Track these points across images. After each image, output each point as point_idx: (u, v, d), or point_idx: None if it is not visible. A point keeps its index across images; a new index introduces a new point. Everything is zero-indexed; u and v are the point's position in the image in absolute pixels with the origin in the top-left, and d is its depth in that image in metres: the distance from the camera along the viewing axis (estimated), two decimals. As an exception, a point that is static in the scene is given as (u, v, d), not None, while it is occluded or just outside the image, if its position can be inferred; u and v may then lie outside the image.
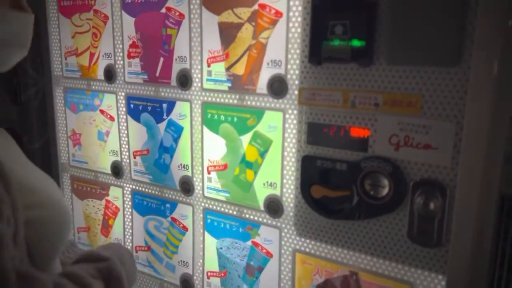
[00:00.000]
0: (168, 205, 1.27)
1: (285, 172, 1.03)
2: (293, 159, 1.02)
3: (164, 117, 1.21)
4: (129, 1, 1.22)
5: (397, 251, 0.91)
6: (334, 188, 0.96)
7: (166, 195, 1.26)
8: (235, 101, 1.08)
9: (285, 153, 1.02)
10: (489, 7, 0.73)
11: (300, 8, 0.95)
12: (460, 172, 0.80)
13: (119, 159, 1.35)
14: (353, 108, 0.91)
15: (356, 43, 0.87)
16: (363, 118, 0.90)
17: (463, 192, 0.80)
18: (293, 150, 1.01)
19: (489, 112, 0.76)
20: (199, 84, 1.13)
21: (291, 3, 0.96)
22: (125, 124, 1.31)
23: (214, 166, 1.15)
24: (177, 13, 1.13)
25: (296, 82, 0.98)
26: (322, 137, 0.96)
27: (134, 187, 1.34)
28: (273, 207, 1.06)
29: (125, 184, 1.36)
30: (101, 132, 1.38)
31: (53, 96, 1.47)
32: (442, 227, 0.84)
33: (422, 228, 0.86)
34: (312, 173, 0.98)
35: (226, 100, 1.09)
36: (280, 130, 1.02)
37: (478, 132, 0.77)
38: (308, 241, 1.03)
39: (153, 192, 1.29)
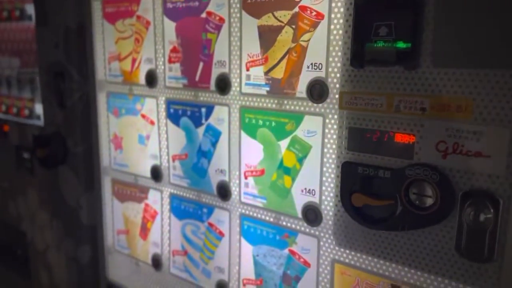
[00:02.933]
0: (205, 210, 1.26)
1: (324, 179, 1.00)
2: (333, 166, 0.98)
3: (203, 121, 1.21)
4: (171, 7, 1.23)
5: (444, 266, 0.85)
6: (376, 197, 0.92)
7: (204, 199, 1.26)
8: (274, 106, 1.06)
9: (325, 159, 0.99)
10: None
11: (342, 10, 0.92)
12: (516, 182, 0.74)
13: (158, 163, 1.36)
14: (398, 113, 0.87)
15: (401, 45, 0.83)
16: (408, 123, 0.86)
17: (518, 203, 0.75)
18: (333, 156, 0.98)
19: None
20: (238, 89, 1.12)
21: (333, 4, 0.93)
22: (165, 128, 1.32)
23: (251, 172, 1.13)
24: (217, 18, 1.13)
25: (337, 86, 0.95)
26: (364, 143, 0.93)
27: (172, 191, 1.34)
28: (312, 215, 1.03)
29: (163, 188, 1.37)
30: (142, 136, 1.40)
31: (97, 101, 1.50)
32: (495, 241, 0.78)
33: (472, 241, 0.80)
34: (353, 180, 0.94)
35: (265, 105, 1.08)
36: (320, 136, 0.99)
37: (536, 139, 0.72)
38: (348, 251, 0.99)
39: (190, 196, 1.29)
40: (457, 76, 0.79)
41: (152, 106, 1.34)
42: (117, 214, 1.54)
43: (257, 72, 1.08)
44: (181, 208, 1.32)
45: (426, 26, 0.81)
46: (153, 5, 1.28)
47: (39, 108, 1.76)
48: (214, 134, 1.20)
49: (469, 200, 0.80)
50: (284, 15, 1.01)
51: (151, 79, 1.32)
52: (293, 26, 1.00)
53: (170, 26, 1.25)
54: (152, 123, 1.36)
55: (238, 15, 1.09)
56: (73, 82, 1.53)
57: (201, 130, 1.22)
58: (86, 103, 1.53)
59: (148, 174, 1.40)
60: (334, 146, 0.97)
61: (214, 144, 1.20)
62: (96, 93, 1.50)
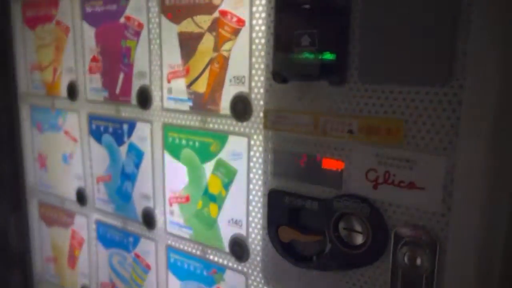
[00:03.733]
0: (131, 239, 1.12)
1: (251, 208, 0.87)
2: (259, 194, 0.86)
3: (125, 139, 1.08)
4: (90, 11, 1.10)
5: (379, 313, 0.73)
6: (304, 231, 0.79)
7: (129, 227, 1.12)
8: (197, 123, 0.93)
9: (251, 186, 0.87)
10: (489, 5, 0.57)
11: (263, 15, 0.80)
12: (453, 221, 0.63)
13: (83, 184, 1.22)
14: (325, 135, 0.75)
15: (326, 56, 0.71)
16: (336, 147, 0.73)
17: (456, 245, 0.63)
18: (259, 182, 0.85)
19: (490, 143, 0.59)
20: (160, 103, 0.99)
21: (254, 8, 0.81)
22: (87, 147, 1.18)
23: (176, 198, 1.00)
24: (136, 23, 1.00)
25: (261, 102, 0.83)
26: (291, 169, 0.80)
27: (98, 216, 1.20)
28: (238, 249, 0.90)
29: (89, 213, 1.23)
30: (65, 155, 1.26)
31: (20, 114, 1.35)
32: (432, 287, 0.66)
33: (408, 286, 0.69)
34: (279, 211, 0.82)
35: (188, 122, 0.95)
36: (245, 159, 0.87)
37: (475, 170, 0.60)
38: (277, 291, 0.86)
39: (116, 223, 1.15)
40: (386, 94, 0.67)
41: (74, 121, 1.20)
42: (45, 239, 1.39)
43: (179, 85, 0.95)
44: (108, 236, 1.19)
45: (352, 36, 0.69)
46: (71, 9, 1.14)
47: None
48: (137, 154, 1.06)
49: (403, 239, 0.68)
50: (204, 20, 0.88)
51: (72, 91, 1.18)
52: (214, 34, 0.87)
53: (90, 32, 1.11)
54: (74, 140, 1.22)
55: (157, 20, 0.96)
56: (-4, 93, 1.38)
57: (123, 149, 1.09)
58: (10, 118, 1.38)
59: (74, 197, 1.25)
60: (260, 172, 0.85)
61: (137, 165, 1.07)
62: (19, 106, 1.35)
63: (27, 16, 1.27)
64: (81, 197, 1.23)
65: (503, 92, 0.58)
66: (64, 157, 1.26)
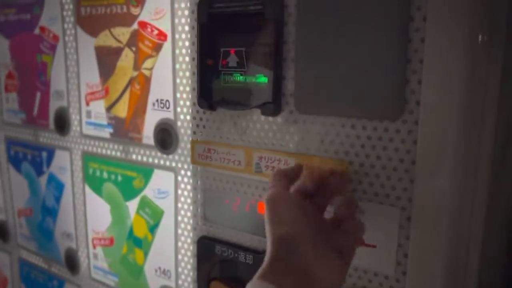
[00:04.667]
0: (55, 283, 0.97)
1: (180, 257, 0.73)
2: (188, 240, 0.72)
3: (44, 169, 0.93)
4: (3, 20, 0.95)
5: None
6: (240, 286, 0.66)
7: (53, 269, 0.97)
8: (118, 154, 0.79)
9: (180, 231, 0.73)
10: (446, 22, 0.44)
11: (187, 28, 0.66)
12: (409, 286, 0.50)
13: (4, 217, 1.07)
14: (259, 174, 0.61)
15: (256, 79, 0.58)
16: (272, 190, 0.60)
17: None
18: (188, 227, 0.71)
19: (452, 188, 0.46)
20: (78, 129, 0.85)
21: (176, 20, 0.67)
22: (7, 175, 1.03)
23: (100, 239, 0.85)
24: (51, 35, 0.86)
25: (188, 131, 0.69)
26: (223, 213, 0.67)
27: (21, 254, 1.05)
28: (167, 303, 0.76)
29: (12, 250, 1.07)
30: (-15, 183, 1.10)
31: None
32: None
33: None
34: (211, 263, 0.68)
35: (109, 152, 0.80)
36: (172, 198, 0.73)
37: (433, 225, 0.48)
38: None
39: (39, 263, 1.00)
40: (327, 128, 0.54)
41: (-8, 146, 1.05)
42: (-32, 277, 1.23)
43: (98, 108, 0.81)
44: (31, 277, 1.03)
45: (287, 55, 0.56)
46: (-17, 17, 0.98)
47: None
48: (57, 187, 0.91)
49: (351, 306, 0.55)
50: (123, 33, 0.74)
51: (-12, 112, 1.02)
52: (134, 49, 0.73)
53: (4, 44, 0.96)
54: (-7, 168, 1.06)
55: (73, 32, 0.82)
56: None
57: (43, 179, 0.94)
58: None
59: (-5, 231, 1.10)
60: (189, 214, 0.71)
61: (58, 199, 0.92)
62: None
63: None
64: (2, 231, 1.07)
65: (464, 126, 0.46)
66: (-17, 186, 1.10)
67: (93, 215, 0.86)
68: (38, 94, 0.90)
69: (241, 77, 0.59)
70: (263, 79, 0.57)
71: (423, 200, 0.48)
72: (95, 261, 0.87)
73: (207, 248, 0.68)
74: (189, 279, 0.73)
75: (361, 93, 0.50)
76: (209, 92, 0.63)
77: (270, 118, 0.59)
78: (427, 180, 0.48)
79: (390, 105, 0.49)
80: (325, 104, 0.54)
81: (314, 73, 0.54)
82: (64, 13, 0.82)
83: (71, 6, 0.81)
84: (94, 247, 0.86)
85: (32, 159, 0.95)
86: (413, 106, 0.48)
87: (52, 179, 0.92)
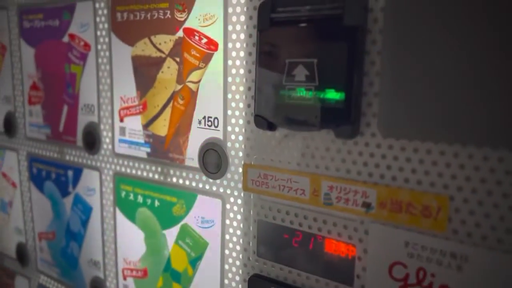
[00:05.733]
0: (78, 315, 0.89)
1: (226, 295, 0.65)
2: (237, 278, 0.63)
3: (70, 189, 0.85)
4: (28, 26, 0.88)
5: None
6: (299, 335, 0.57)
7: (76, 299, 0.89)
8: (156, 176, 0.71)
9: (227, 266, 0.64)
10: None
11: (242, 36, 0.58)
12: None
13: (24, 240, 0.99)
14: (328, 207, 0.52)
15: (330, 96, 0.49)
16: (345, 225, 0.51)
17: None
18: (237, 262, 0.63)
19: None
20: (110, 147, 0.77)
21: (230, 27, 0.59)
22: (28, 194, 0.95)
23: (131, 270, 0.77)
24: (82, 43, 0.78)
25: (241, 154, 0.60)
26: (281, 249, 0.58)
27: (41, 281, 0.97)
28: None
29: (31, 275, 0.99)
30: (4, 202, 1.02)
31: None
32: None
33: None
34: (265, 305, 0.59)
35: (145, 173, 0.72)
36: (219, 227, 0.64)
37: None
38: None
39: (61, 292, 0.92)
40: (421, 155, 0.45)
41: (13, 162, 0.97)
42: (-17, 301, 1.15)
43: (134, 124, 0.72)
44: (52, 306, 0.95)
45: (369, 67, 0.48)
46: (8, 23, 0.91)
47: None
48: (84, 210, 0.83)
49: None
50: (165, 41, 0.66)
51: (10, 125, 0.95)
52: (178, 59, 0.65)
53: (29, 53, 0.89)
54: (14, 185, 0.98)
55: (107, 39, 0.74)
56: None
57: (68, 201, 0.86)
58: None
59: (14, 253, 1.01)
60: (238, 247, 0.62)
61: (84, 223, 0.83)
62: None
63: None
64: (21, 255, 0.99)
65: None
66: (3, 205, 1.02)
67: (124, 242, 0.77)
68: (65, 108, 0.83)
69: (310, 92, 0.50)
70: (338, 96, 0.49)
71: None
72: (125, 294, 0.78)
73: (260, 288, 0.59)
74: (236, 322, 0.64)
75: (470, 114, 0.42)
76: (269, 109, 0.54)
77: (345, 142, 0.50)
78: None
79: (505, 129, 0.40)
80: (420, 127, 0.45)
81: (405, 89, 0.45)
82: (97, 19, 0.75)
83: (105, 12, 0.73)
84: (125, 278, 0.78)
85: (56, 178, 0.87)
86: (538, 131, 0.39)
87: (78, 200, 0.83)
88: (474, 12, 0.40)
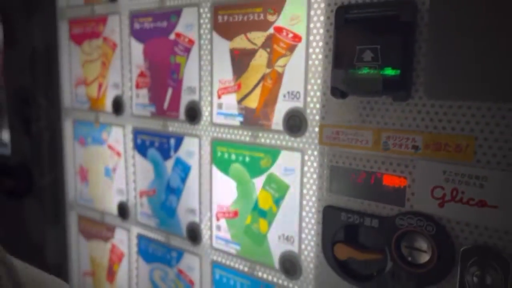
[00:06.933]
0: (174, 254, 1.12)
1: (304, 224, 0.86)
2: (313, 210, 0.85)
3: (171, 154, 1.08)
4: (138, 27, 1.12)
5: (444, 335, 0.71)
6: (363, 249, 0.78)
7: (173, 242, 1.12)
8: (248, 138, 0.93)
9: (304, 202, 0.86)
10: None
11: (321, 31, 0.80)
12: (529, 240, 0.61)
13: (125, 199, 1.23)
14: (386, 151, 0.74)
15: (389, 72, 0.70)
16: (399, 164, 0.72)
17: (533, 266, 0.61)
18: (313, 198, 0.84)
19: None
20: (209, 118, 1.00)
21: (312, 25, 0.81)
22: (132, 161, 1.19)
23: (224, 213, 0.99)
24: (186, 39, 1.01)
25: (317, 117, 0.82)
26: (348, 185, 0.79)
27: (140, 231, 1.20)
28: (290, 266, 0.89)
29: (131, 227, 1.23)
30: (108, 169, 1.26)
31: (63, 129, 1.37)
32: (504, 310, 0.64)
33: (477, 309, 0.66)
34: (335, 228, 0.80)
35: (238, 137, 0.95)
36: (299, 174, 0.86)
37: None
38: (331, 310, 0.84)
39: (159, 238, 1.15)
40: (455, 110, 0.66)
41: (119, 135, 1.21)
42: (83, 253, 1.40)
43: (230, 100, 0.95)
44: (149, 251, 1.18)
45: (417, 51, 0.69)
46: (120, 25, 1.16)
47: (6, 136, 1.63)
48: (183, 169, 1.06)
49: (472, 258, 0.66)
50: (258, 37, 0.89)
51: (118, 106, 1.19)
52: (268, 50, 0.87)
53: (137, 48, 1.13)
54: (118, 154, 1.23)
55: (209, 36, 0.97)
56: (40, 108, 1.41)
57: (169, 163, 1.09)
58: (53, 132, 1.40)
59: (115, 211, 1.26)
60: (314, 187, 0.84)
61: (183, 180, 1.07)
62: (62, 121, 1.37)
63: (73, 33, 1.30)
64: (123, 211, 1.23)
65: None
66: (107, 171, 1.26)
67: (218, 192, 1.00)
68: (170, 90, 1.06)
69: (374, 70, 0.72)
70: (395, 71, 0.70)
71: (543, 166, 0.59)
72: (218, 232, 1.01)
73: (332, 216, 0.81)
74: (312, 243, 0.85)
75: (487, 79, 0.62)
76: (342, 82, 0.76)
77: (400, 103, 0.71)
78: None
79: (513, 89, 0.61)
80: (452, 90, 0.66)
81: (443, 63, 0.66)
82: (201, 20, 0.98)
83: (208, 15, 0.97)
84: (218, 220, 1.00)
85: (159, 145, 1.11)
86: (535, 89, 0.59)
87: (178, 162, 1.07)
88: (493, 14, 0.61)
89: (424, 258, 0.71)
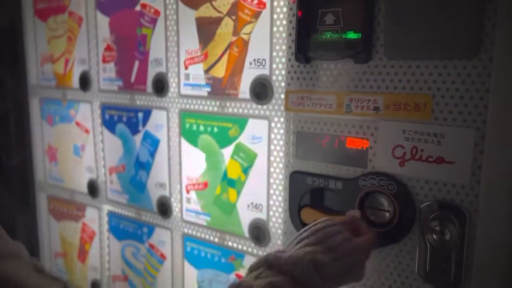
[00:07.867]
0: (145, 229, 1.11)
1: (272, 191, 0.87)
2: (280, 176, 0.85)
3: (140, 128, 1.07)
4: (104, 0, 1.10)
5: (406, 291, 0.73)
6: (328, 212, 0.79)
7: (143, 217, 1.11)
8: (215, 108, 0.93)
9: (272, 169, 0.86)
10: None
11: (285, -3, 0.80)
12: (482, 192, 0.63)
13: (95, 176, 1.22)
14: (349, 114, 0.75)
15: (351, 35, 0.71)
16: (361, 126, 0.74)
17: (486, 217, 0.63)
18: (281, 165, 0.85)
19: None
20: (176, 90, 0.99)
21: (275, -9, 0.81)
22: (100, 137, 1.18)
23: (193, 185, 0.99)
24: (152, 10, 1.00)
25: (283, 84, 0.83)
26: (313, 150, 0.80)
27: (110, 208, 1.19)
28: (259, 233, 0.90)
29: (101, 205, 1.22)
30: (77, 147, 1.25)
31: (30, 108, 1.35)
32: (462, 262, 0.66)
33: (436, 263, 0.68)
34: (302, 193, 0.81)
35: (206, 108, 0.95)
36: (266, 142, 0.86)
37: (504, 141, 0.60)
38: (299, 274, 0.85)
39: (130, 214, 1.14)
40: (413, 70, 0.67)
41: (87, 112, 1.19)
42: (54, 234, 1.38)
43: (197, 71, 0.95)
44: (120, 228, 1.17)
45: (377, 12, 0.70)
46: (85, -2, 1.14)
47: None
48: (152, 143, 1.06)
49: (431, 214, 0.68)
50: (224, 4, 0.88)
51: (85, 81, 1.17)
52: (233, 17, 0.87)
53: (103, 21, 1.11)
54: (87, 131, 1.21)
55: (174, 6, 0.96)
56: (5, 87, 1.38)
57: (138, 138, 1.08)
58: (20, 111, 1.37)
59: (85, 189, 1.24)
60: (281, 154, 0.85)
61: (152, 154, 1.06)
62: (28, 99, 1.34)
63: (38, 8, 1.27)
64: (92, 189, 1.22)
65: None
66: (76, 149, 1.25)
67: (187, 164, 1.00)
68: (136, 63, 1.05)
69: (336, 34, 0.73)
70: (356, 34, 0.71)
71: (496, 120, 0.61)
72: (188, 205, 1.01)
73: (298, 181, 0.82)
74: (280, 209, 0.86)
75: (443, 39, 0.64)
76: (306, 47, 0.76)
77: (362, 66, 0.72)
78: (499, 105, 0.61)
79: (470, 46, 0.62)
80: (410, 50, 0.67)
81: (401, 24, 0.67)
82: (166, -9, 0.97)
83: (173, -15, 0.96)
84: (188, 192, 1.00)
85: (127, 120, 1.09)
86: (487, 45, 0.61)
87: (147, 136, 1.06)
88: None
89: (386, 217, 0.72)
